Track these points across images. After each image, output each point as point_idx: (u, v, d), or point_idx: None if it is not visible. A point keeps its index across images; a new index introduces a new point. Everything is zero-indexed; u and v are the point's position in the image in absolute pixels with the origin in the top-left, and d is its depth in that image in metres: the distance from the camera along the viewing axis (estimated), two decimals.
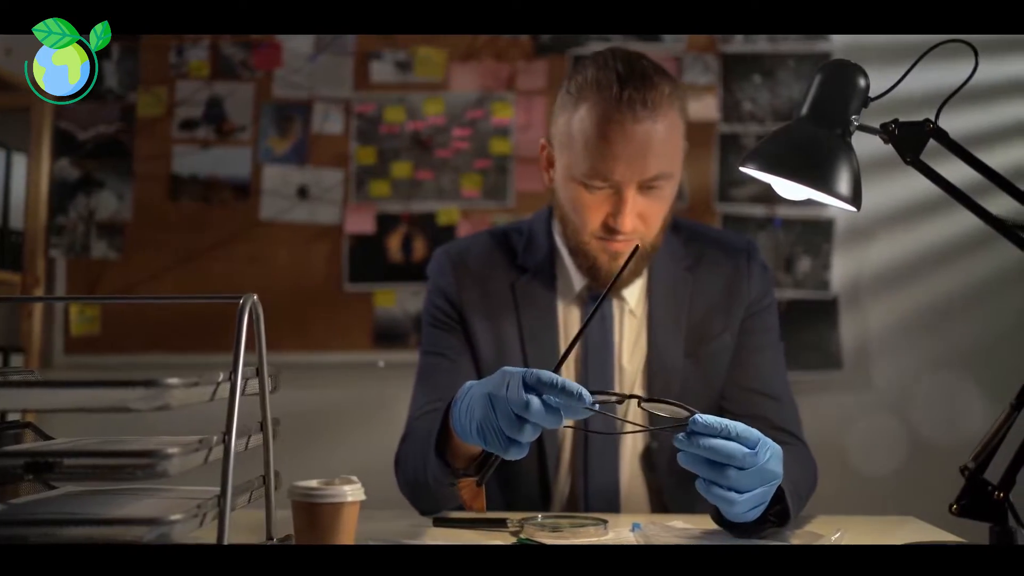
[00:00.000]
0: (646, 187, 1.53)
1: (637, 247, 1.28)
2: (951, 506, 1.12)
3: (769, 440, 1.17)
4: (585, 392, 1.08)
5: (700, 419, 1.13)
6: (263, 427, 1.07)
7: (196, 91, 2.89)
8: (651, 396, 1.60)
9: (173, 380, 0.90)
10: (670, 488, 1.62)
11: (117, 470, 0.92)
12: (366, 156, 2.87)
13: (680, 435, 1.14)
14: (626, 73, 1.51)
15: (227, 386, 0.97)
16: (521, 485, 1.62)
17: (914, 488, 2.10)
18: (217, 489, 0.95)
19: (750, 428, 1.15)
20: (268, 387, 1.06)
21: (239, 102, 2.89)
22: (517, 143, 2.84)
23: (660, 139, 1.51)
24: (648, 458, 1.63)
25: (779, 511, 1.29)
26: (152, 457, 0.89)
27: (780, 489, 1.25)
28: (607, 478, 1.61)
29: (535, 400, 1.08)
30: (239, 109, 2.89)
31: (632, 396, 1.19)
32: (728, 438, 1.13)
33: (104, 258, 2.86)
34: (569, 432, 1.62)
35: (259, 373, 1.05)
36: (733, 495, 1.15)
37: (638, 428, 1.12)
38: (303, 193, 2.86)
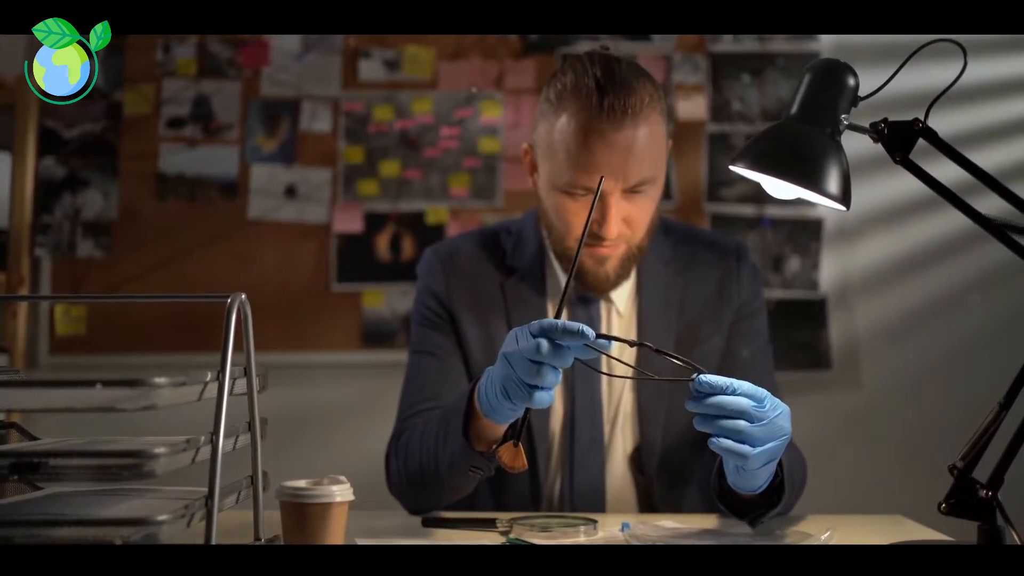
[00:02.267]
0: (631, 192, 1.52)
1: (602, 178, 1.31)
2: (940, 505, 1.12)
3: (776, 398, 1.21)
4: (586, 328, 1.13)
5: (704, 378, 1.17)
6: (251, 427, 1.07)
7: (183, 89, 2.88)
8: (641, 401, 1.61)
9: (160, 380, 0.90)
10: (659, 489, 1.62)
11: (103, 470, 0.91)
12: (354, 155, 2.86)
13: (690, 399, 1.19)
14: (605, 80, 1.50)
15: (215, 386, 0.97)
16: (511, 485, 1.62)
17: (903, 487, 2.10)
18: (205, 489, 0.95)
19: (755, 386, 1.19)
20: (256, 387, 1.06)
21: (226, 100, 2.88)
22: (505, 142, 2.84)
23: (642, 144, 1.50)
24: (637, 459, 1.63)
25: (777, 486, 1.33)
26: (139, 457, 0.89)
27: (778, 466, 1.30)
28: (593, 477, 1.61)
29: (544, 342, 1.14)
30: (226, 108, 2.88)
31: (642, 344, 1.24)
32: (735, 394, 1.17)
33: (90, 257, 2.85)
34: (559, 431, 1.61)
35: (247, 373, 1.04)
36: (746, 448, 1.19)
37: (644, 376, 1.20)
38: (291, 192, 2.86)
